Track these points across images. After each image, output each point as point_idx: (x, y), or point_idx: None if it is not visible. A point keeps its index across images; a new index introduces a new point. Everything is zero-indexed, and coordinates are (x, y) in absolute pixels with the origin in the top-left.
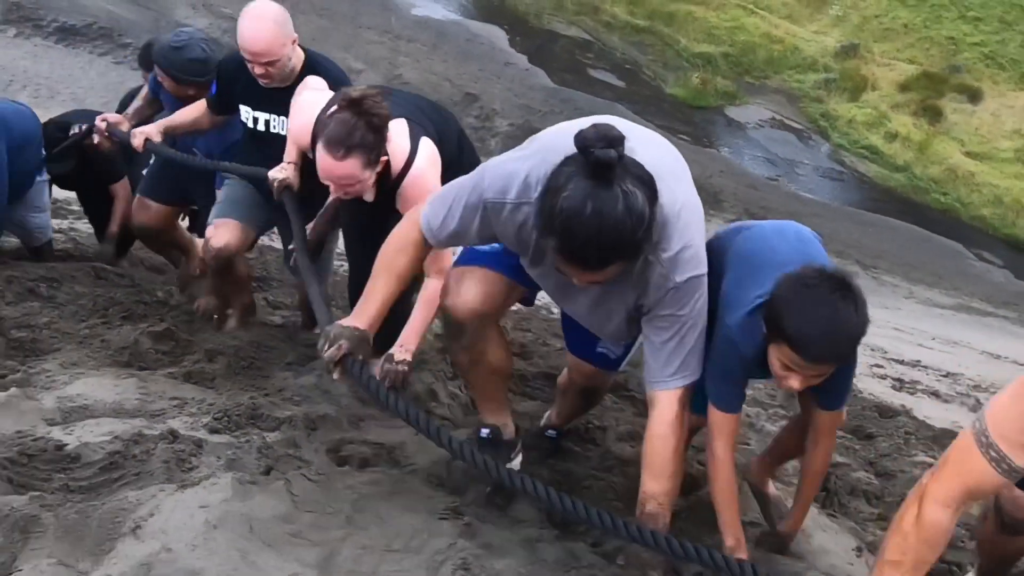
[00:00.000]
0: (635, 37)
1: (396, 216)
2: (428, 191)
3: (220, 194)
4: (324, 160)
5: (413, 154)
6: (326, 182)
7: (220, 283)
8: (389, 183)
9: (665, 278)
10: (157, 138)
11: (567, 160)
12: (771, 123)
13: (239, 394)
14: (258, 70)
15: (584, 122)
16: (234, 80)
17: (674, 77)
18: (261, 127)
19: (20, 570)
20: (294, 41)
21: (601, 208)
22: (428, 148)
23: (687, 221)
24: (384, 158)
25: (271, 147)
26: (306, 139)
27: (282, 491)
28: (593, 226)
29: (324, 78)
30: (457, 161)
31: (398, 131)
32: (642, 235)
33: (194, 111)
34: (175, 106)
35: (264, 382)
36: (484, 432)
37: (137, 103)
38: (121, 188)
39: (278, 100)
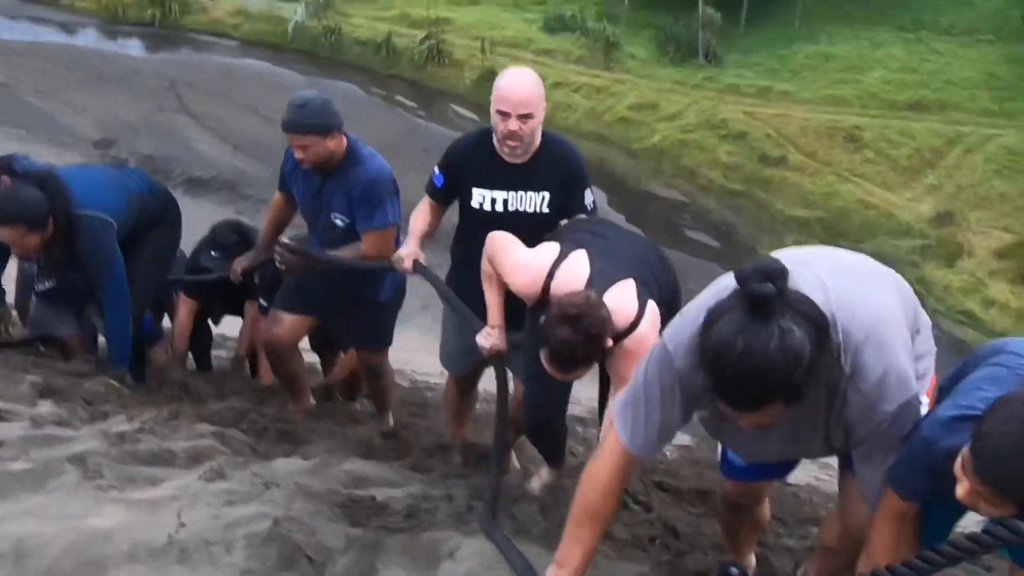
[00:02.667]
0: (731, 200)
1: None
2: (641, 357)
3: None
4: (551, 371)
5: (640, 316)
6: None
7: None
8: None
9: (871, 409)
10: (423, 258)
11: (731, 294)
12: None
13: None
14: (512, 125)
15: (780, 255)
16: (465, 162)
17: (769, 239)
18: (499, 207)
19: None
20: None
21: (752, 345)
22: (653, 312)
23: (882, 341)
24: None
25: (509, 228)
26: (534, 291)
27: None
28: (743, 364)
29: (570, 158)
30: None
31: (625, 292)
32: (801, 376)
33: (425, 211)
34: (308, 186)
35: None
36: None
37: (271, 215)
38: (251, 307)
39: (516, 177)
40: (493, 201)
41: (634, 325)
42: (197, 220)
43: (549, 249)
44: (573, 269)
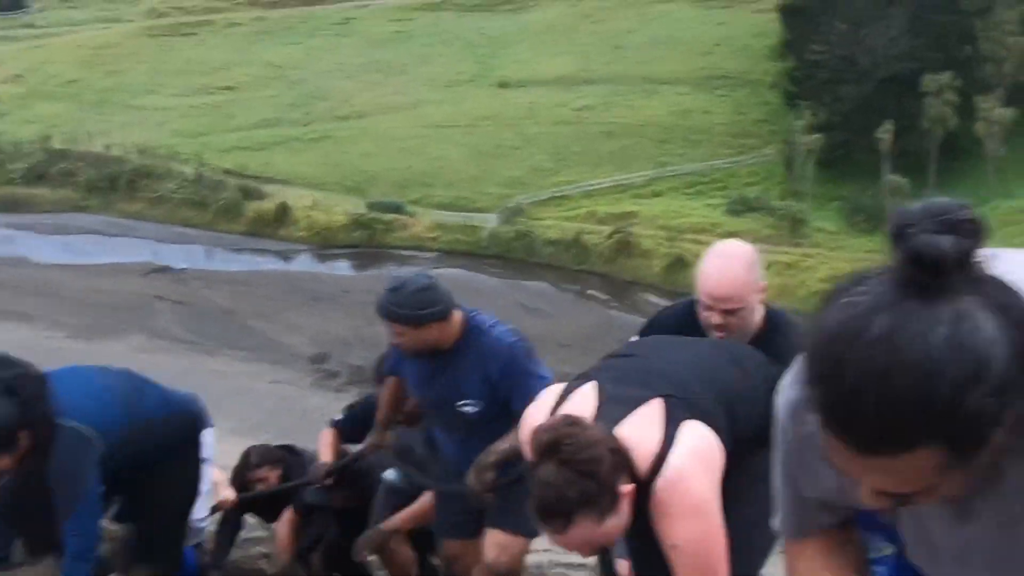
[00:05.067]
0: None
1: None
2: (695, 502)
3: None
4: (547, 534)
5: (666, 444)
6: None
7: None
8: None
9: None
10: None
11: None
12: None
13: None
14: (715, 319)
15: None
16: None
17: None
18: None
19: None
20: (763, 289)
21: (900, 330)
22: (693, 436)
23: None
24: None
25: None
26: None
27: None
28: (880, 362)
29: (784, 343)
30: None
31: (646, 416)
32: (980, 400)
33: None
34: (421, 371)
35: None
36: None
37: (387, 394)
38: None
39: None
40: None
41: (660, 458)
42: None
43: (551, 392)
44: (572, 409)
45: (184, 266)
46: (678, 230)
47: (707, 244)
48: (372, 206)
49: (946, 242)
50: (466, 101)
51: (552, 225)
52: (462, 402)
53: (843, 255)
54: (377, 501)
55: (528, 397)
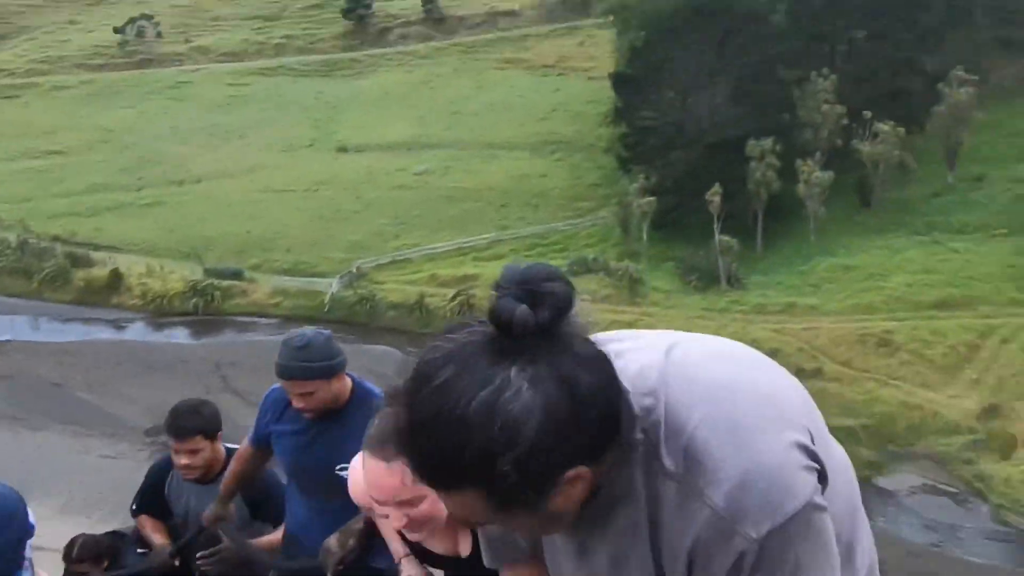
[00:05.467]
0: None
1: None
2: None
3: None
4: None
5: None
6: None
7: None
8: None
9: (727, 536)
10: None
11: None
12: (923, 489)
13: None
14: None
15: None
16: None
17: None
18: None
19: None
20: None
21: (455, 386)
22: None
23: (741, 425)
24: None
25: None
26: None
27: None
28: (429, 406)
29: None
30: None
31: None
32: (504, 465)
33: None
34: (301, 439)
35: None
36: None
37: (237, 467)
38: None
39: None
40: None
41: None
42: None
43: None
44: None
45: (7, 337)
46: None
47: None
48: (209, 272)
49: (521, 311)
50: (304, 165)
51: (395, 289)
52: (342, 466)
53: (679, 313)
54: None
55: None
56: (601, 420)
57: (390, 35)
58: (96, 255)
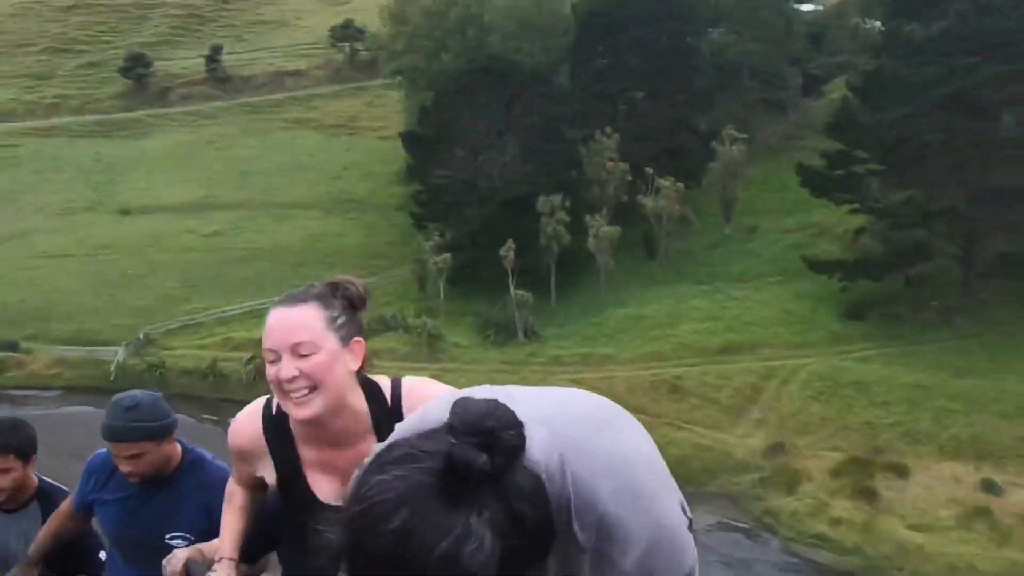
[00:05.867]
0: None
1: None
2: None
3: None
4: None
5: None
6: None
7: None
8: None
9: None
10: None
11: (440, 433)
12: (718, 527)
13: None
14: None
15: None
16: None
17: None
18: None
19: None
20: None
21: (413, 533)
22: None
23: (641, 492)
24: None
25: None
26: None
27: None
28: (388, 555)
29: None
30: None
31: None
32: None
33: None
34: (126, 507)
35: None
36: None
37: (53, 526)
38: None
39: None
40: None
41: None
42: None
43: None
44: None
45: None
46: None
47: None
48: None
49: (479, 459)
50: (84, 229)
51: (186, 354)
52: (172, 534)
53: (480, 367)
54: None
55: None
56: (547, 543)
57: (172, 94)
58: None
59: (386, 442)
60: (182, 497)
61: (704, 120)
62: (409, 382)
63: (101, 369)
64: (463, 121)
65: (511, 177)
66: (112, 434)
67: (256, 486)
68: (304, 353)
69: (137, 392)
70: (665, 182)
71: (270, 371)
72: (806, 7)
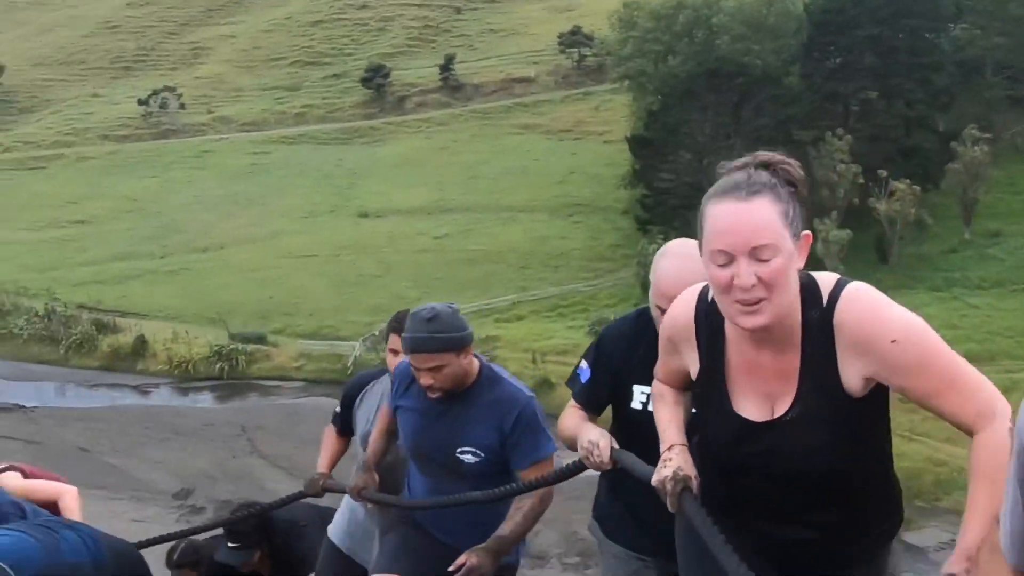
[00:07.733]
0: None
1: None
2: (885, 298)
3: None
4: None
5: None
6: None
7: None
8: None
9: None
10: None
11: None
12: (950, 545)
13: None
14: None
15: None
16: (629, 355)
17: None
18: (650, 407)
19: None
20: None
21: None
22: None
23: None
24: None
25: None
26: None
27: None
28: None
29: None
30: None
31: None
32: None
33: (573, 417)
34: (424, 418)
35: None
36: None
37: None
38: None
39: None
40: (645, 402)
41: (838, 288)
42: None
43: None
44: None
45: (34, 404)
46: (542, 352)
47: (571, 365)
48: (234, 337)
49: None
50: (326, 231)
51: None
52: (463, 448)
53: None
54: (319, 567)
55: (532, 457)
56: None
57: (408, 103)
58: (122, 322)
59: None
60: (476, 412)
61: (943, 119)
62: (854, 291)
63: (339, 363)
64: (690, 124)
65: None
66: (415, 345)
67: (682, 387)
68: (764, 258)
69: (436, 304)
70: (900, 184)
71: (720, 274)
72: None
